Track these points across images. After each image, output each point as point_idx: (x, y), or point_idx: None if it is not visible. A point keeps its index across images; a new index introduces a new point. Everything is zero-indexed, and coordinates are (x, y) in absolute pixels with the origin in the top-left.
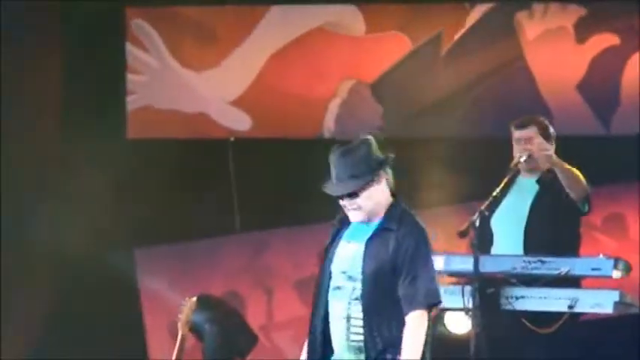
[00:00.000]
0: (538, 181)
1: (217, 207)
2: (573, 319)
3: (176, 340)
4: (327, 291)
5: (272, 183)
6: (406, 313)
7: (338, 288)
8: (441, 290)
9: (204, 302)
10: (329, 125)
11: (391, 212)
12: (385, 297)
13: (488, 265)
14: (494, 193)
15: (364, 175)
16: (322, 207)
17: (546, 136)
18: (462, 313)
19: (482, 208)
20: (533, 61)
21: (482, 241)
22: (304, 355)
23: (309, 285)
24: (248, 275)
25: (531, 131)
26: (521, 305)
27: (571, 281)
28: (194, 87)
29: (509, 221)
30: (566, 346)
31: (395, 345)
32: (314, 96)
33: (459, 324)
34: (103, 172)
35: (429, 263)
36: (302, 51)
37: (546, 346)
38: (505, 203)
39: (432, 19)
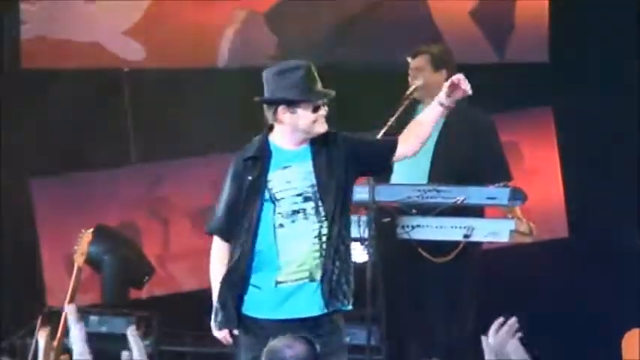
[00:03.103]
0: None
1: (113, 138)
2: (473, 247)
3: (72, 271)
4: (272, 220)
5: (167, 113)
6: None
7: (297, 212)
8: None
9: (102, 233)
10: (223, 55)
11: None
12: (345, 209)
13: (383, 195)
14: (389, 123)
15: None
16: (217, 137)
17: (438, 65)
18: (358, 243)
19: (378, 137)
20: None
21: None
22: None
23: (204, 216)
24: (144, 206)
25: (422, 61)
26: (417, 234)
27: (473, 211)
28: (88, 17)
29: None
30: (463, 275)
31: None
32: (207, 25)
33: (355, 254)
34: None
35: None
36: None
37: (443, 275)
38: None
39: None
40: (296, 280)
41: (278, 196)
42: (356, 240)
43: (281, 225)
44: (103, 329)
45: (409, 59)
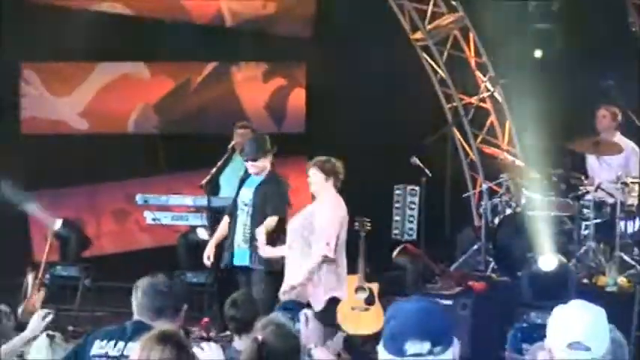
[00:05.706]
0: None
1: None
2: None
3: None
4: (237, 211)
5: None
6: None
7: (242, 209)
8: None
9: None
10: None
11: (267, 175)
12: (263, 216)
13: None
14: (218, 166)
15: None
16: None
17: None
18: (204, 228)
19: (213, 171)
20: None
21: (213, 190)
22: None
23: None
24: None
25: (247, 130)
26: None
27: None
28: None
29: (231, 180)
30: None
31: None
32: None
33: (204, 235)
34: None
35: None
36: None
37: None
38: (229, 169)
39: None
40: (238, 246)
41: (238, 200)
42: (202, 226)
43: (236, 215)
44: None
45: (237, 130)
